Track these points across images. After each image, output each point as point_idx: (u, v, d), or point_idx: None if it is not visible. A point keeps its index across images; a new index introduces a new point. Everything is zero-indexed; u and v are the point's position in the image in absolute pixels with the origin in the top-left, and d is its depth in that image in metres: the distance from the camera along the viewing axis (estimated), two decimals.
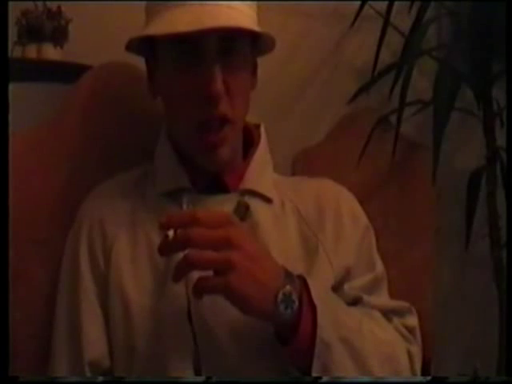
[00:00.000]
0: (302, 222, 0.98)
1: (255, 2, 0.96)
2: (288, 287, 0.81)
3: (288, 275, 0.83)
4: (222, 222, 0.80)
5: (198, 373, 0.87)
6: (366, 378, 0.86)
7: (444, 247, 1.42)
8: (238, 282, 0.78)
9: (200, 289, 0.78)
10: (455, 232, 1.42)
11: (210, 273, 0.79)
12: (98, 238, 0.96)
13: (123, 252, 0.94)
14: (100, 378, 0.91)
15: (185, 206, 0.95)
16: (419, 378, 0.95)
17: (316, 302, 0.82)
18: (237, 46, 0.91)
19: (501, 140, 1.35)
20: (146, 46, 0.96)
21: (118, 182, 1.03)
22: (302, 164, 1.31)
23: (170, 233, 0.79)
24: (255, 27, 0.91)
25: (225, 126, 0.91)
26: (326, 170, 1.10)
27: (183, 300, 0.89)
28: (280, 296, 0.80)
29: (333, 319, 0.84)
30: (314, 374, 0.82)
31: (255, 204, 0.96)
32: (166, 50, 0.93)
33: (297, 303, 0.81)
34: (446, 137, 1.25)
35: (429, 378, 0.97)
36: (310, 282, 0.84)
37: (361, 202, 1.07)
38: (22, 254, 1.01)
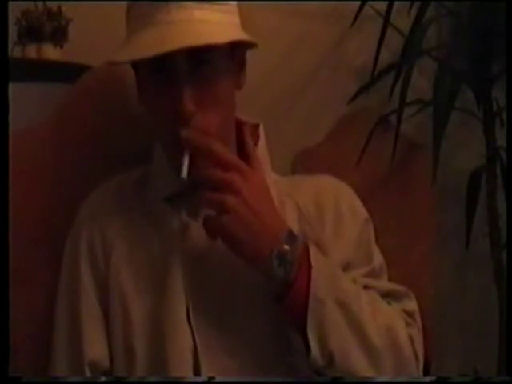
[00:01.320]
0: (302, 218, 0.98)
1: (235, 2, 0.94)
2: (286, 246, 0.83)
3: (291, 236, 0.85)
4: (232, 165, 0.84)
5: (197, 372, 0.87)
6: (366, 378, 0.86)
7: (444, 247, 1.41)
8: (230, 224, 0.82)
9: (206, 230, 0.84)
10: (455, 232, 1.42)
11: None
12: (97, 239, 0.96)
13: (123, 252, 0.95)
14: (100, 378, 0.91)
15: (183, 210, 0.94)
16: (419, 378, 0.95)
17: (314, 262, 0.84)
18: (211, 56, 0.89)
19: (501, 140, 1.35)
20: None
21: (117, 184, 1.03)
22: (302, 164, 1.31)
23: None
24: (225, 36, 0.88)
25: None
26: (326, 170, 1.10)
27: (182, 301, 0.89)
28: (275, 252, 0.82)
29: (330, 282, 0.86)
30: (310, 332, 0.82)
31: None
32: (141, 67, 0.93)
33: (295, 264, 0.83)
34: (446, 137, 1.25)
35: (429, 378, 0.97)
36: (311, 247, 0.86)
37: (361, 202, 1.07)
38: (21, 254, 1.02)
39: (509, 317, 1.23)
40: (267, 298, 0.87)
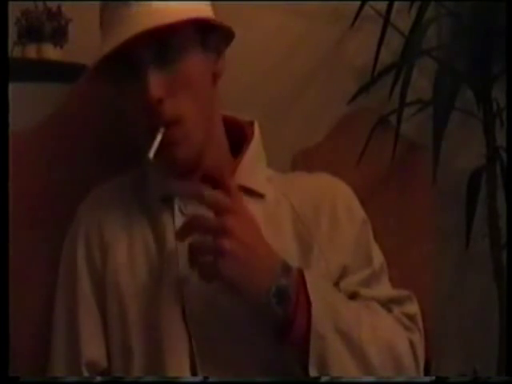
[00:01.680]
0: (297, 218, 0.97)
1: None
2: (283, 281, 0.82)
3: (285, 268, 0.84)
4: (223, 208, 0.82)
5: (194, 372, 0.87)
6: (366, 378, 0.86)
7: (444, 247, 1.41)
8: (228, 268, 0.80)
9: (200, 274, 0.83)
10: (455, 232, 1.42)
11: None
12: (95, 240, 0.97)
13: (120, 252, 0.95)
14: (98, 378, 0.91)
15: (176, 208, 0.95)
16: (419, 378, 0.95)
17: (312, 295, 0.83)
18: (176, 43, 0.89)
19: (501, 140, 1.35)
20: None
21: (116, 184, 1.03)
22: (302, 164, 1.30)
23: (162, 129, 0.87)
24: (179, 17, 0.88)
25: (172, 127, 0.89)
26: (326, 170, 1.09)
27: (178, 300, 0.89)
28: (273, 289, 0.81)
29: (329, 311, 0.85)
30: (311, 367, 0.82)
31: (247, 200, 0.95)
32: (114, 68, 0.92)
33: (292, 299, 0.82)
34: (446, 137, 1.25)
35: (429, 378, 0.97)
36: (307, 274, 0.85)
37: (361, 202, 1.07)
38: (22, 254, 1.02)
39: (509, 317, 1.23)
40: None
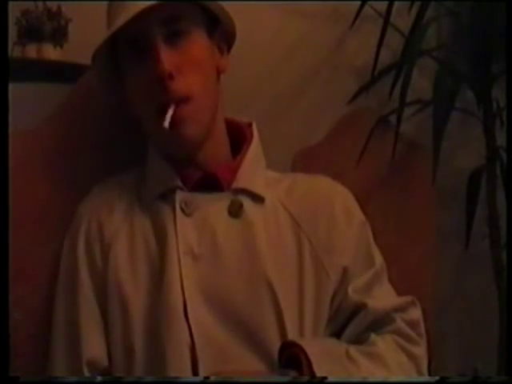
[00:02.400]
0: (295, 224, 0.98)
1: None
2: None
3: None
4: None
5: (195, 370, 0.87)
6: (366, 379, 0.86)
7: (444, 247, 1.41)
8: None
9: None
10: (455, 232, 1.42)
11: None
12: (95, 238, 0.97)
13: (121, 252, 0.95)
14: (98, 378, 0.91)
15: (178, 206, 0.95)
16: (419, 379, 0.95)
17: (316, 369, 0.84)
18: (184, 26, 0.93)
19: (501, 140, 1.35)
20: (112, 64, 0.99)
21: (116, 183, 1.03)
22: (302, 164, 1.30)
23: (172, 105, 0.90)
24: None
25: (182, 105, 0.92)
26: (326, 170, 1.10)
27: (179, 298, 0.89)
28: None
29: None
30: None
31: (248, 203, 0.96)
32: (124, 52, 0.95)
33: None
34: (446, 137, 1.25)
35: (429, 378, 0.97)
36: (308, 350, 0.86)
37: (361, 202, 1.07)
38: (22, 254, 1.02)
39: (509, 317, 1.23)
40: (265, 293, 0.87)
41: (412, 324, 0.97)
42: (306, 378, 0.84)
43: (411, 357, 0.94)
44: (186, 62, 0.92)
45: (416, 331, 0.97)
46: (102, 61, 0.97)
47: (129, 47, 0.94)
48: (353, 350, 0.91)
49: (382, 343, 0.93)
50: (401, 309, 0.98)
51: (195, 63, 0.93)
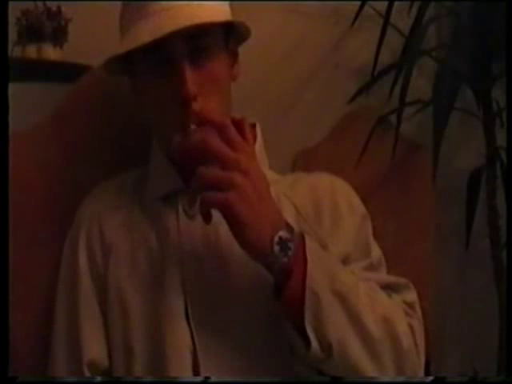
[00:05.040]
0: (299, 216, 0.97)
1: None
2: (285, 233, 0.82)
3: (288, 226, 0.84)
4: (242, 147, 0.83)
5: (196, 371, 0.87)
6: (364, 379, 0.86)
7: (444, 247, 1.41)
8: (236, 201, 0.80)
9: (203, 204, 0.81)
10: (455, 232, 1.42)
11: None
12: (96, 239, 0.97)
13: (121, 252, 0.95)
14: (98, 378, 0.91)
15: (180, 208, 0.95)
16: (419, 378, 0.94)
17: (309, 255, 0.83)
18: (207, 43, 0.92)
19: (501, 140, 1.35)
20: (124, 61, 0.96)
21: (116, 183, 1.03)
22: (302, 164, 1.30)
23: (193, 126, 0.87)
24: (219, 18, 0.92)
25: (201, 125, 0.90)
26: (326, 170, 1.09)
27: (180, 299, 0.89)
28: (276, 238, 0.82)
29: (327, 273, 0.84)
30: (308, 327, 0.81)
31: None
32: (140, 61, 0.93)
33: (292, 250, 0.82)
34: (446, 137, 1.25)
35: (429, 378, 0.97)
36: (307, 239, 0.85)
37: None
38: (22, 254, 1.02)
39: (509, 317, 1.23)
40: (266, 294, 0.87)
41: (408, 304, 0.95)
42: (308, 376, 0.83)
43: (409, 325, 0.91)
44: (208, 82, 0.91)
45: (413, 312, 0.95)
46: (114, 63, 0.96)
47: (146, 56, 0.91)
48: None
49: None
50: (395, 287, 0.96)
51: (216, 83, 0.93)
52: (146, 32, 0.88)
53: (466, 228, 1.37)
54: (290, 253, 0.82)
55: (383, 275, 0.99)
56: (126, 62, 0.96)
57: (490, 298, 1.36)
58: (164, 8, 0.89)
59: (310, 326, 0.82)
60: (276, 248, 0.81)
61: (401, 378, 0.89)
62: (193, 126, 0.87)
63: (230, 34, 0.97)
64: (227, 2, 0.97)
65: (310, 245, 0.85)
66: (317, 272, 0.83)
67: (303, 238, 0.85)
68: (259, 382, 0.88)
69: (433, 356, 1.11)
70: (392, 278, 0.98)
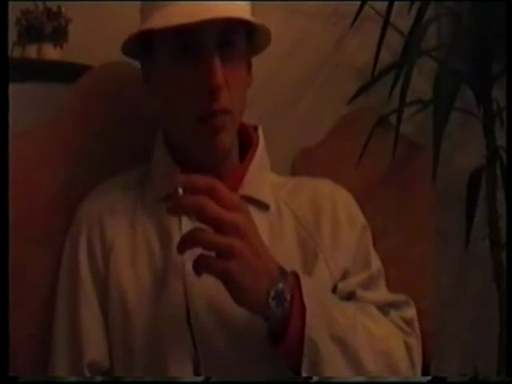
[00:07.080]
0: (299, 225, 0.98)
1: (248, 2, 0.97)
2: (281, 285, 0.81)
3: (282, 272, 0.83)
4: (236, 206, 0.80)
5: (197, 374, 0.87)
6: (363, 378, 0.86)
7: (444, 247, 1.41)
8: (237, 270, 0.78)
9: (201, 266, 0.78)
10: (455, 232, 1.42)
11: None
12: (97, 239, 0.96)
13: (122, 253, 0.95)
14: (99, 379, 0.91)
15: None
16: (419, 378, 0.95)
17: (306, 301, 0.82)
18: (234, 40, 0.93)
19: (501, 140, 1.35)
20: (142, 46, 0.96)
21: (117, 183, 1.03)
22: (302, 164, 1.30)
23: (180, 190, 0.77)
24: (251, 19, 0.93)
25: (223, 116, 0.92)
26: (326, 170, 1.10)
27: (182, 301, 0.89)
28: (272, 293, 0.81)
29: (324, 317, 0.84)
30: (304, 374, 0.82)
31: (253, 210, 0.95)
32: (164, 45, 0.93)
33: (288, 301, 0.82)
34: (446, 137, 1.25)
35: (429, 378, 0.97)
36: (303, 279, 0.84)
37: (361, 202, 1.07)
38: (21, 254, 1.02)
39: (509, 317, 1.23)
40: None
41: (406, 322, 0.96)
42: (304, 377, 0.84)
43: (407, 345, 0.93)
44: (232, 76, 0.92)
45: (411, 329, 0.97)
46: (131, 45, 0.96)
47: (172, 43, 0.92)
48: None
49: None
50: (394, 305, 0.97)
51: (238, 77, 0.94)
52: (180, 15, 0.88)
53: (466, 228, 1.37)
54: (286, 304, 0.81)
55: (382, 293, 1.00)
56: (142, 45, 0.96)
57: (489, 298, 1.36)
58: (194, 2, 0.89)
59: (306, 373, 0.82)
60: (272, 303, 0.81)
61: (401, 379, 0.89)
62: (180, 190, 0.78)
63: (250, 41, 0.98)
64: (249, 6, 0.98)
65: (305, 284, 0.84)
66: (315, 320, 0.83)
67: (298, 278, 0.84)
68: (259, 382, 0.88)
69: (433, 356, 1.11)
70: (391, 296, 0.99)
